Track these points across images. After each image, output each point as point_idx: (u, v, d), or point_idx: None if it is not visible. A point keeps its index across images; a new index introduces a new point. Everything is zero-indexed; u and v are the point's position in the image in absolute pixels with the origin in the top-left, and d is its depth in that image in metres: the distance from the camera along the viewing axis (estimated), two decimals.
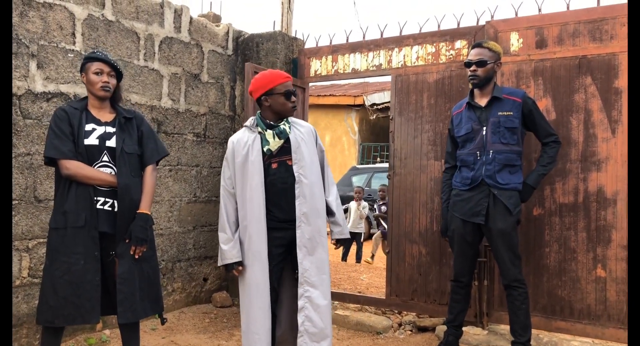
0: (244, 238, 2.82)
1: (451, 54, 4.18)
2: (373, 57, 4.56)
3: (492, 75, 3.35)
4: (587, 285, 3.59)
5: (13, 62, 3.32)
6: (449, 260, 4.01)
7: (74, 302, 2.58)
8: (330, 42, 4.76)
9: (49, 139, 2.66)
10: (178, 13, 4.43)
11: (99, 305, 2.63)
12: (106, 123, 2.76)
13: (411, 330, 4.10)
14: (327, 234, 2.95)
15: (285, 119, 2.84)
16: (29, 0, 3.40)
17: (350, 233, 7.96)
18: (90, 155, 2.67)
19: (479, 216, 3.28)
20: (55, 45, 3.56)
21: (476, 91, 3.41)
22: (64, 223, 2.62)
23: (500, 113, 3.27)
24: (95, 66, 2.72)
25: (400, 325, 4.19)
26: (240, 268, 2.80)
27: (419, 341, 3.88)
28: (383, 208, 8.16)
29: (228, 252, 2.80)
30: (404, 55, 4.40)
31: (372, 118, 14.91)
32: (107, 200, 2.68)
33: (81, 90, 3.61)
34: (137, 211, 2.72)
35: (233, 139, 2.89)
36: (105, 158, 2.70)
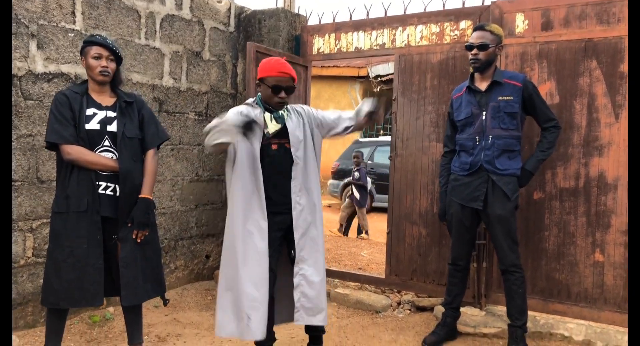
0: (243, 215, 2.81)
1: (455, 35, 4.13)
2: (377, 36, 4.50)
3: (494, 59, 3.31)
4: (585, 269, 3.63)
5: (13, 42, 3.30)
6: (448, 242, 4.03)
7: (78, 286, 2.63)
8: (334, 20, 4.70)
9: (50, 124, 2.66)
10: None
11: (102, 288, 2.69)
12: (107, 108, 2.76)
13: (410, 309, 4.16)
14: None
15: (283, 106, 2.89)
16: None
17: None
18: (92, 140, 2.68)
19: (477, 201, 3.28)
20: (55, 24, 3.53)
21: (476, 75, 3.36)
22: (66, 207, 2.65)
23: (500, 98, 3.23)
24: (94, 50, 2.70)
25: (399, 304, 4.25)
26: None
27: (417, 320, 3.95)
28: (356, 174, 8.14)
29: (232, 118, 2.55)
30: (408, 35, 4.34)
31: (376, 90, 14.80)
32: (109, 184, 2.70)
33: (82, 71, 3.58)
34: (139, 196, 2.75)
35: (238, 108, 2.83)
36: (107, 143, 2.71)
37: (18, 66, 3.33)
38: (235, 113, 2.62)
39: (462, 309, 3.73)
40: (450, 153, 3.53)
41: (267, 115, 2.84)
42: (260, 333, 2.72)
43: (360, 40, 4.59)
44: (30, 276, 3.47)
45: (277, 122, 2.84)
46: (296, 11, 5.05)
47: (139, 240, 2.73)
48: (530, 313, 3.61)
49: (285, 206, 2.86)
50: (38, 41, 3.43)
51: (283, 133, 2.87)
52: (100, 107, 2.74)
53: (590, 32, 3.59)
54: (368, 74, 14.40)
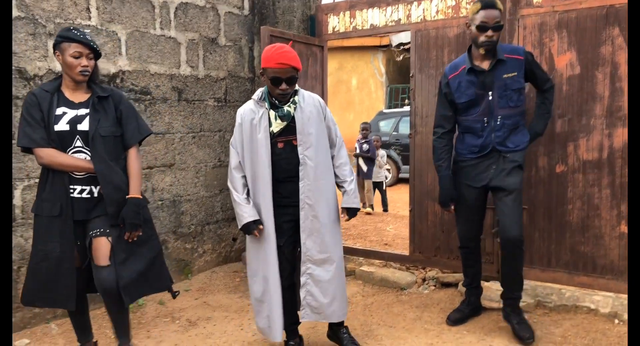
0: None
1: None
2: (392, 12, 4.44)
3: None
4: (610, 242, 3.60)
5: (32, 43, 3.37)
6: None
7: (50, 288, 2.61)
8: None
9: (21, 127, 2.54)
10: None
11: (74, 292, 2.63)
12: (80, 105, 2.61)
13: (435, 286, 4.21)
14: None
15: (292, 98, 2.78)
16: None
17: (372, 183, 8.04)
18: (63, 141, 2.56)
19: (486, 179, 3.21)
20: (71, 21, 3.58)
21: (475, 52, 3.19)
22: (41, 210, 2.60)
23: (505, 76, 3.11)
24: (73, 48, 2.54)
25: (424, 280, 4.30)
26: (261, 227, 2.80)
27: (442, 296, 3.99)
28: (365, 146, 8.01)
29: (245, 211, 2.80)
30: (424, 9, 4.26)
31: (399, 59, 14.60)
32: (83, 188, 2.61)
33: (102, 65, 3.64)
34: (127, 196, 2.65)
35: (240, 112, 2.86)
36: (79, 143, 2.58)
37: (38, 66, 3.41)
38: (238, 143, 2.83)
39: (486, 284, 3.76)
40: (448, 134, 3.35)
41: (272, 113, 2.75)
42: (277, 335, 2.89)
43: (375, 16, 4.53)
44: None
45: (282, 120, 2.74)
46: None
47: (130, 241, 2.66)
48: (555, 285, 3.62)
49: (294, 199, 2.83)
50: None
51: (291, 129, 2.78)
52: (71, 105, 2.60)
53: None
54: (390, 42, 14.19)
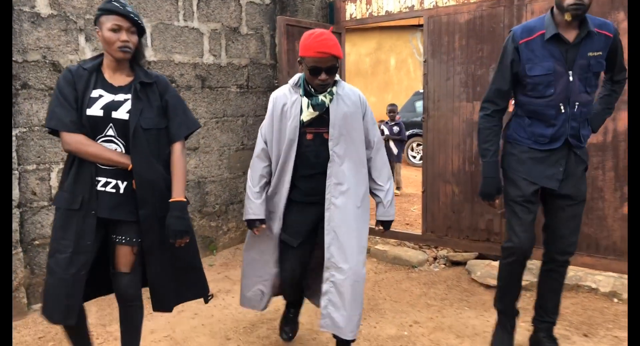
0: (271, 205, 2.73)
1: None
2: None
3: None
4: (613, 223, 3.67)
5: (64, 38, 3.69)
6: (480, 199, 4.17)
7: (51, 294, 2.25)
8: None
9: (51, 106, 2.24)
10: None
11: (76, 304, 2.26)
12: (119, 89, 2.29)
13: (445, 264, 4.38)
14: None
15: (330, 88, 2.53)
16: None
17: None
18: (93, 127, 2.24)
19: (553, 180, 2.62)
20: None
21: (558, 17, 2.50)
22: (60, 202, 2.26)
23: (590, 53, 2.49)
24: (111, 21, 2.20)
25: (435, 259, 4.47)
26: (263, 226, 2.68)
27: (449, 274, 4.17)
28: (395, 128, 8.06)
29: (250, 207, 2.66)
30: None
31: None
32: (109, 180, 2.26)
33: None
34: (171, 199, 2.30)
35: (273, 96, 2.67)
36: (111, 132, 2.25)
37: (70, 59, 3.73)
38: (267, 130, 2.65)
39: (492, 263, 3.90)
40: (499, 112, 2.70)
41: (305, 100, 2.51)
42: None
43: (390, 3, 4.65)
44: None
45: (314, 109, 2.50)
46: None
47: (177, 246, 2.33)
48: None
49: (317, 197, 2.59)
50: (86, 34, 3.80)
51: (323, 120, 2.54)
52: (109, 89, 2.28)
53: None
54: None
